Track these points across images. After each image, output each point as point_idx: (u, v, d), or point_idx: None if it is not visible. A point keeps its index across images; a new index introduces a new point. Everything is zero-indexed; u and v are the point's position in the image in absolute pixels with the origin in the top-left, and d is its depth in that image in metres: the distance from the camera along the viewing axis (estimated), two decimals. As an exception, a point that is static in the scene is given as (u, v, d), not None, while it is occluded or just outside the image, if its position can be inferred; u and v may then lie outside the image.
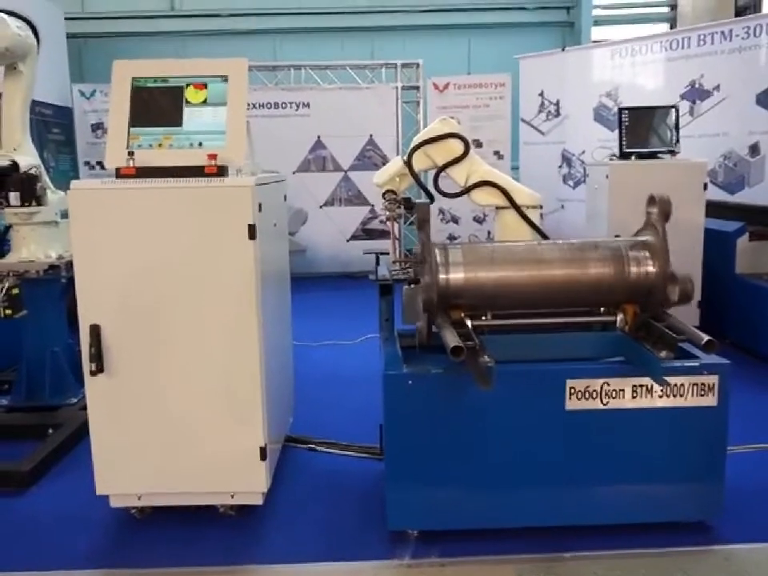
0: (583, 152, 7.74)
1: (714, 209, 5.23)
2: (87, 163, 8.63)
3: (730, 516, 2.75)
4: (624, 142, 4.97)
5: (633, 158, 4.96)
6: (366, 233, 8.85)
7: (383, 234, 8.65)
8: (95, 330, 2.64)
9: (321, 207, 8.78)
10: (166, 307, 2.68)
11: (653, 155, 4.97)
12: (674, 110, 5.05)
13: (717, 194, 6.31)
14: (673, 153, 4.99)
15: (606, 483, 2.66)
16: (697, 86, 6.77)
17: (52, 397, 4.02)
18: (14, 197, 3.73)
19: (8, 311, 3.47)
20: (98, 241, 2.63)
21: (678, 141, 4.97)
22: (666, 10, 10.70)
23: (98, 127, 8.59)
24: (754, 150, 6.32)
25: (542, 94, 8.22)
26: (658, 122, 5.01)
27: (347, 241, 8.84)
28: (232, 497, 2.86)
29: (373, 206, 8.70)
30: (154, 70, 2.86)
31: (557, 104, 8.13)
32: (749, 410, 3.88)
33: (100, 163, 8.57)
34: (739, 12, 9.72)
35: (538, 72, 8.22)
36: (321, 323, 6.17)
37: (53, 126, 8.16)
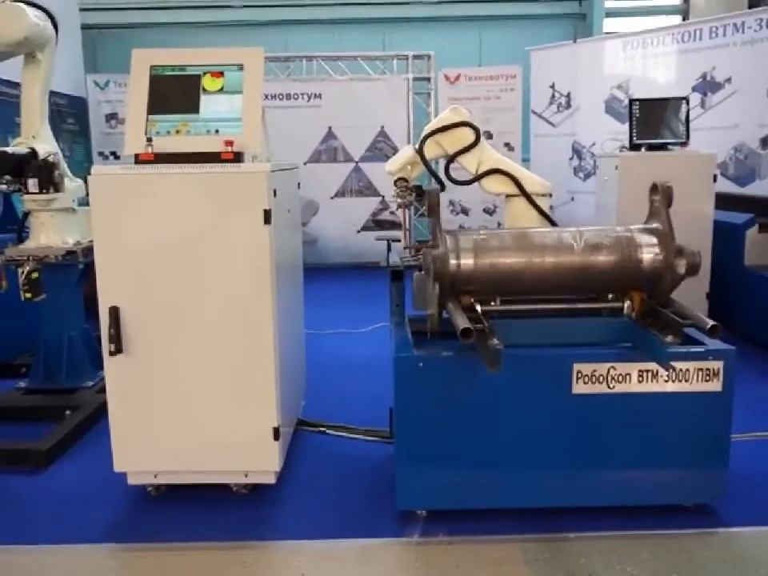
0: (594, 144, 7.76)
1: (723, 201, 5.24)
2: (101, 153, 8.72)
3: (733, 500, 2.80)
4: (634, 134, 4.99)
5: (643, 149, 4.98)
6: (377, 224, 8.90)
7: (393, 225, 8.72)
8: (114, 312, 2.72)
9: (332, 198, 8.84)
10: (183, 290, 2.75)
11: (663, 147, 4.99)
12: (684, 101, 5.06)
13: (727, 187, 6.32)
14: (683, 144, 5.01)
15: (612, 466, 2.71)
16: (708, 78, 6.77)
17: (69, 380, 4.11)
18: (32, 183, 3.81)
19: (28, 294, 3.55)
20: (118, 225, 2.70)
21: (688, 133, 4.98)
22: (678, 1, 10.67)
23: (111, 117, 8.67)
24: (765, 142, 6.33)
25: (552, 86, 8.24)
26: (669, 114, 5.02)
27: (358, 232, 8.90)
28: (245, 476, 2.94)
29: (383, 197, 8.76)
30: (172, 59, 2.93)
31: (568, 96, 8.14)
32: (756, 400, 3.92)
33: (114, 153, 8.66)
34: (752, 4, 9.67)
35: (549, 64, 8.24)
36: (331, 312, 6.24)
37: (67, 116, 8.26)
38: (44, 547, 2.70)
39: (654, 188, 2.76)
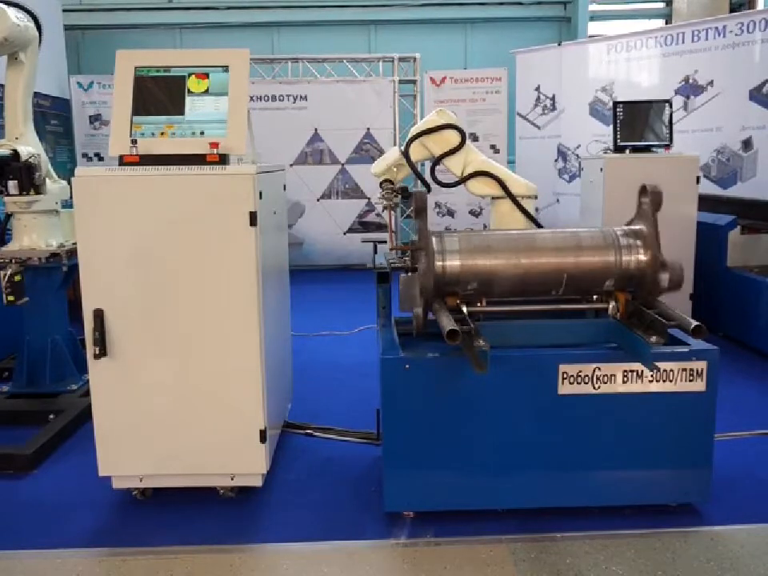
0: (578, 146, 7.81)
1: (706, 203, 5.29)
2: (85, 155, 8.65)
3: (717, 500, 2.83)
4: (618, 136, 5.02)
5: (627, 151, 5.02)
6: (363, 226, 8.90)
7: (380, 227, 8.73)
8: (99, 315, 2.70)
9: (318, 200, 8.83)
10: (168, 292, 2.73)
11: (647, 149, 5.03)
12: (667, 104, 5.10)
13: (710, 189, 6.38)
14: (667, 147, 5.05)
15: (597, 466, 2.73)
16: (691, 81, 6.83)
17: (52, 384, 4.07)
18: (12, 185, 3.76)
19: (11, 297, 3.50)
20: (102, 227, 2.68)
21: (671, 135, 5.02)
22: (661, 5, 10.76)
23: (95, 119, 8.62)
24: (747, 144, 6.40)
25: (538, 89, 8.28)
26: (653, 117, 5.06)
27: (344, 234, 8.90)
28: (232, 478, 2.93)
29: (369, 199, 8.76)
30: (157, 60, 2.91)
31: (553, 98, 8.19)
32: (738, 400, 3.96)
33: (98, 155, 8.61)
34: (733, 8, 9.80)
35: (534, 67, 8.28)
36: (317, 314, 6.24)
37: (51, 118, 8.19)
38: (29, 552, 2.67)
39: (643, 190, 2.76)
